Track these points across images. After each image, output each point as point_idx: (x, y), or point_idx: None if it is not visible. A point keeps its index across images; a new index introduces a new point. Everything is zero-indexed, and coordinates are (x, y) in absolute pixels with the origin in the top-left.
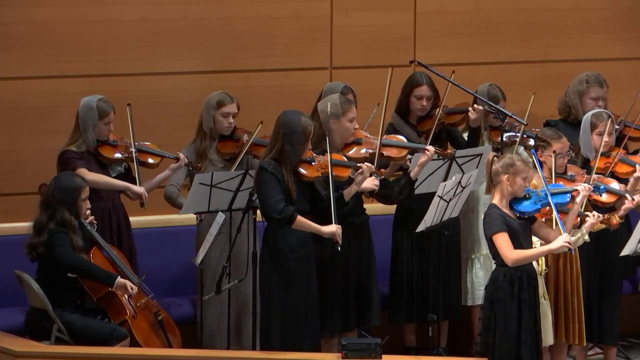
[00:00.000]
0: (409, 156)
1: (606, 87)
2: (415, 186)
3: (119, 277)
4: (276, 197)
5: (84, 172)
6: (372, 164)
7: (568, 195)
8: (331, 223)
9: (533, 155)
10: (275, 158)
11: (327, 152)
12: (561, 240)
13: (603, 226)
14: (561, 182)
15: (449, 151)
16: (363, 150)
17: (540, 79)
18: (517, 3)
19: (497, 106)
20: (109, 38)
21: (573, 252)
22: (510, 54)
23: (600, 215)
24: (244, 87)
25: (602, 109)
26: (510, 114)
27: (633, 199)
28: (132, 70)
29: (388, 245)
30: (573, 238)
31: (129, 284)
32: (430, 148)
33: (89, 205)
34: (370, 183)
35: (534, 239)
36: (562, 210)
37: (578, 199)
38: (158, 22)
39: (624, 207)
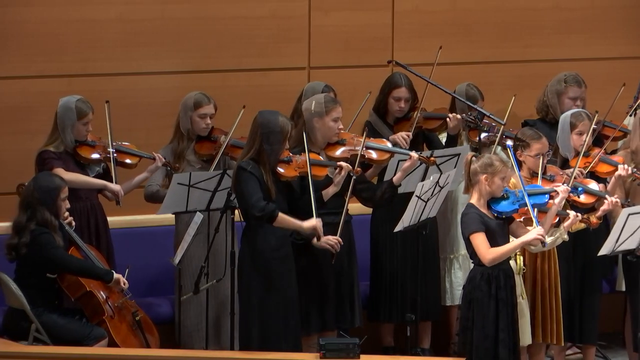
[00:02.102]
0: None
1: (584, 86)
2: None
3: (114, 272)
4: (256, 196)
5: (60, 172)
6: (353, 165)
7: (546, 196)
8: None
9: (509, 150)
10: (254, 158)
11: (305, 152)
12: (535, 233)
13: (583, 225)
14: (539, 182)
15: (432, 158)
16: (346, 151)
17: (519, 79)
18: (495, 3)
19: (476, 106)
20: (86, 38)
21: (551, 251)
22: (488, 53)
23: (579, 214)
24: (222, 87)
25: (581, 108)
26: (488, 114)
27: (611, 200)
28: (109, 70)
29: (366, 246)
30: (552, 237)
31: (122, 278)
32: (414, 154)
33: (68, 205)
34: (325, 241)
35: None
36: (542, 210)
37: (557, 200)
38: (135, 22)
39: (602, 208)
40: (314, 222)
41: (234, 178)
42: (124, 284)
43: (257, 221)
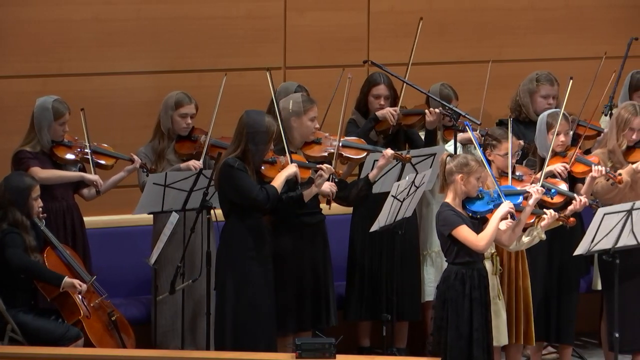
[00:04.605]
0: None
1: (557, 85)
2: None
3: (66, 277)
4: (255, 189)
5: (36, 170)
6: (331, 163)
7: (520, 196)
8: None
9: (467, 128)
10: (239, 157)
11: (287, 153)
12: (506, 205)
13: (560, 223)
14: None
15: (407, 155)
16: (322, 150)
17: (494, 79)
18: (470, 3)
19: (451, 105)
20: (62, 38)
21: (521, 250)
22: (463, 53)
23: (556, 213)
24: (197, 87)
25: (553, 107)
26: (463, 114)
27: (580, 200)
28: (85, 70)
29: (345, 246)
30: (529, 237)
31: (76, 281)
32: (388, 151)
33: (40, 204)
34: (328, 187)
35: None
36: (516, 210)
37: (530, 201)
38: (111, 22)
39: (570, 208)
40: (293, 167)
41: (221, 175)
42: (80, 285)
43: (269, 210)
